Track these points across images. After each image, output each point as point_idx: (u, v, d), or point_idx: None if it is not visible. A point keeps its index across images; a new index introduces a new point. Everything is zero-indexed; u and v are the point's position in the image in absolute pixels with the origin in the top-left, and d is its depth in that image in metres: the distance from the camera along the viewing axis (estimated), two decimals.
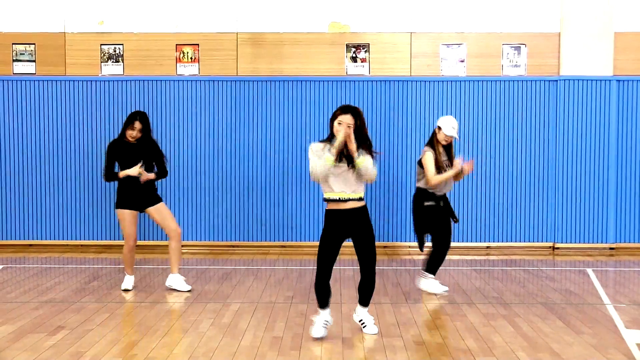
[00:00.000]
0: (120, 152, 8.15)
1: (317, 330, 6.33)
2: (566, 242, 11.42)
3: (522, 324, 6.83)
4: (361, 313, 6.57)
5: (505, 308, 7.49)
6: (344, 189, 6.25)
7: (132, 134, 8.07)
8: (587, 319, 7.02)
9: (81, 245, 11.51)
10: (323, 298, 6.39)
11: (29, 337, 6.31)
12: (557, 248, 11.41)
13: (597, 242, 11.41)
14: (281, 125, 11.43)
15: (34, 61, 11.47)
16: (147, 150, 8.18)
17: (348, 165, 6.21)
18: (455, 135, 7.91)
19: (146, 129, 8.15)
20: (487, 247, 11.41)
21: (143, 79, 11.40)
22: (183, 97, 11.43)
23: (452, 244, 11.26)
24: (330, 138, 6.28)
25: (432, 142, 7.98)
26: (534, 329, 6.62)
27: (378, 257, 10.55)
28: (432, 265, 8.10)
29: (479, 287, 8.52)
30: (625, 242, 11.44)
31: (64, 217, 11.53)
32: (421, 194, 8.01)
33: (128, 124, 8.11)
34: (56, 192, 11.50)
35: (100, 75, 11.45)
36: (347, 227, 6.32)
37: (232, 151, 11.46)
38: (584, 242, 11.42)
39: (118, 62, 11.44)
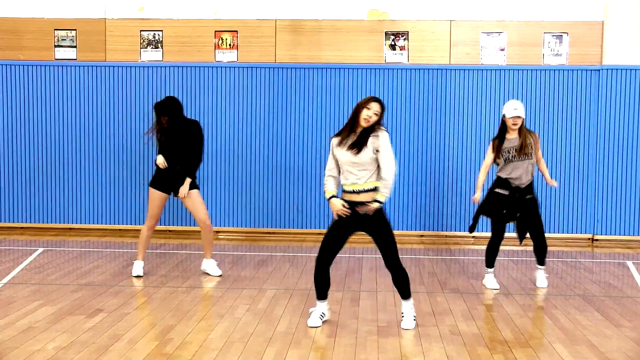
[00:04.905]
0: (159, 134, 8.24)
1: (314, 320, 6.30)
2: (606, 234, 11.27)
3: (560, 315, 6.76)
4: (403, 306, 6.41)
5: (543, 299, 7.42)
6: (357, 179, 6.17)
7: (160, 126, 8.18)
8: (627, 312, 6.93)
9: (119, 229, 11.64)
10: (322, 288, 6.36)
11: (68, 319, 6.40)
12: (597, 240, 11.26)
13: (638, 235, 11.24)
14: (319, 112, 11.42)
15: (75, 47, 11.59)
16: (177, 138, 8.14)
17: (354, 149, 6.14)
18: (518, 114, 7.68)
19: (173, 116, 8.15)
20: (525, 238, 11.26)
21: (182, 66, 11.46)
22: (221, 83, 11.46)
23: (489, 234, 11.23)
24: (350, 125, 6.20)
25: (500, 130, 7.86)
26: (571, 321, 6.55)
27: (414, 246, 10.55)
28: (488, 257, 7.98)
29: (516, 278, 8.46)
30: None
31: (103, 201, 11.66)
32: (497, 181, 7.87)
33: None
34: (96, 177, 11.63)
35: (139, 61, 11.53)
36: (360, 220, 6.19)
37: (269, 138, 11.48)
38: (624, 235, 11.26)
39: (157, 48, 11.51)
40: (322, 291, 6.38)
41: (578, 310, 6.95)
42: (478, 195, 7.92)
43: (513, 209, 7.79)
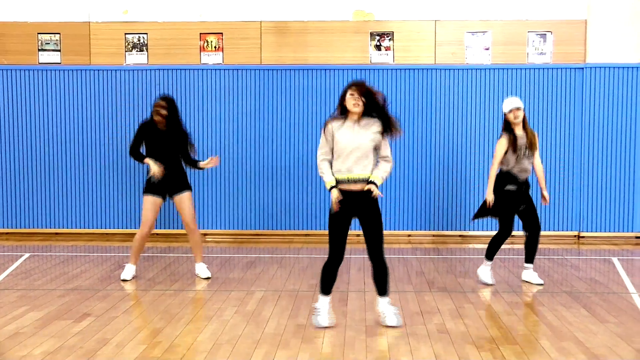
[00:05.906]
0: (148, 134, 8.16)
1: (324, 319, 6.28)
2: (591, 231, 11.34)
3: (547, 312, 6.79)
4: (381, 305, 6.40)
5: (530, 297, 7.45)
6: (353, 167, 6.18)
7: (157, 118, 8.09)
8: (612, 307, 6.97)
9: (106, 233, 11.60)
10: (329, 284, 6.34)
11: (55, 323, 6.38)
12: (582, 237, 11.32)
13: (623, 231, 11.31)
14: (305, 113, 11.42)
15: (59, 51, 11.55)
16: (175, 139, 8.18)
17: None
18: (516, 104, 7.68)
19: (172, 113, 8.17)
20: (512, 236, 11.31)
21: (167, 68, 11.44)
22: (207, 86, 11.45)
23: (477, 233, 11.31)
24: (342, 112, 6.24)
25: (507, 128, 7.81)
26: (558, 318, 6.58)
27: (402, 246, 10.57)
28: (490, 250, 8.04)
29: (503, 276, 8.49)
30: None
31: (90, 205, 11.62)
32: (503, 177, 7.84)
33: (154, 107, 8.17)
34: (82, 181, 11.59)
35: (124, 64, 11.50)
36: (354, 207, 6.21)
37: (256, 139, 11.47)
38: (609, 231, 11.33)
39: (142, 51, 11.49)
40: (329, 286, 6.35)
41: (564, 307, 6.99)
42: (492, 197, 7.82)
43: (519, 203, 7.88)
